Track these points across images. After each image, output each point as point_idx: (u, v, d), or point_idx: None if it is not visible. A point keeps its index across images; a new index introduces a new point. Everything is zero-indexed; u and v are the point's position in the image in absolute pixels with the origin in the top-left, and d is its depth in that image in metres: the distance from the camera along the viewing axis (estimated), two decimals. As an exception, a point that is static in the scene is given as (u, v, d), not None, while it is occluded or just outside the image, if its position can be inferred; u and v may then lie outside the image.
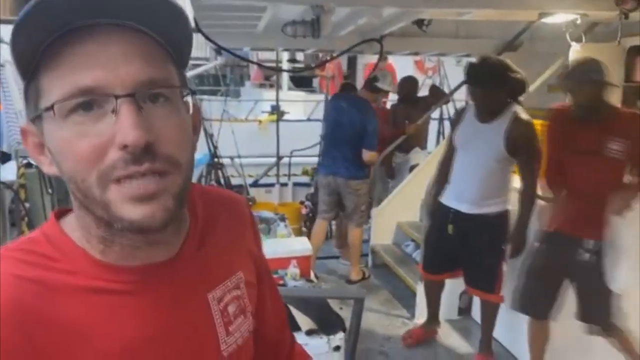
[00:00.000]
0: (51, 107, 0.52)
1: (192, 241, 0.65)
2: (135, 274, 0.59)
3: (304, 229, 4.90)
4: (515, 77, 2.56)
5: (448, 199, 2.80)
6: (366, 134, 3.75)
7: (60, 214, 0.63)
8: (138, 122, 0.51)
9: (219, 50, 4.16)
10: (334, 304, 2.57)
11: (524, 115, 2.57)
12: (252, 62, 6.34)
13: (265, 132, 6.31)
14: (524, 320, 2.59)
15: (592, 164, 2.29)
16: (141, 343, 0.57)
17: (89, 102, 0.52)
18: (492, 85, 2.54)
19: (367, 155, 3.80)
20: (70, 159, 0.53)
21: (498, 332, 2.98)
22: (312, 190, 5.10)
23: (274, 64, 6.49)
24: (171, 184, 0.54)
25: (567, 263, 2.39)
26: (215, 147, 4.92)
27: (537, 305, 2.50)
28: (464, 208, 2.71)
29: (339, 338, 2.19)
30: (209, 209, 0.70)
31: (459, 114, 2.90)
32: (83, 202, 0.55)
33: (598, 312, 2.38)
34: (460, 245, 2.79)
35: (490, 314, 2.88)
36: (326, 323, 2.31)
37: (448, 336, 3.24)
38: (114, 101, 0.51)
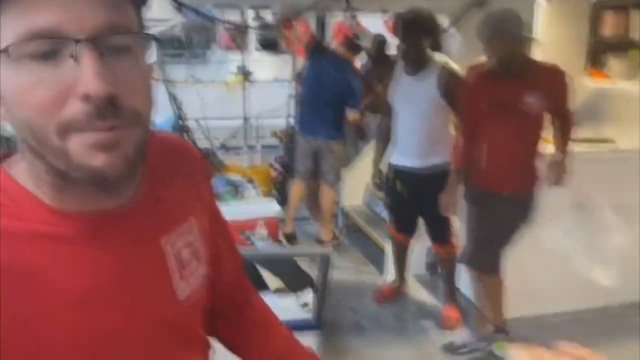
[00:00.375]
0: (5, 49, 0.47)
1: (145, 187, 0.63)
2: (88, 221, 0.56)
3: (274, 191, 4.86)
4: (441, 29, 2.61)
5: (395, 158, 2.84)
6: (351, 93, 3.69)
7: (2, 158, 0.58)
8: (101, 72, 0.47)
9: (179, 7, 3.97)
10: (306, 265, 2.58)
11: (452, 64, 2.64)
12: (215, 20, 6.12)
13: (232, 94, 6.16)
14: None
15: (511, 118, 2.29)
16: (95, 290, 0.56)
17: (45, 45, 0.47)
18: (418, 33, 2.60)
19: (352, 115, 3.75)
20: (25, 107, 0.49)
21: (463, 285, 3.05)
22: (281, 153, 5.04)
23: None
24: (133, 134, 0.52)
25: (492, 217, 2.43)
26: (180, 109, 4.76)
27: (481, 260, 2.54)
28: (411, 163, 2.76)
29: (307, 295, 2.20)
30: (159, 154, 0.67)
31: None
32: (36, 148, 0.51)
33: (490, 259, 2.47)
34: (415, 202, 2.83)
35: (447, 264, 2.95)
36: (295, 282, 2.32)
37: (416, 292, 3.31)
38: (73, 45, 0.47)
